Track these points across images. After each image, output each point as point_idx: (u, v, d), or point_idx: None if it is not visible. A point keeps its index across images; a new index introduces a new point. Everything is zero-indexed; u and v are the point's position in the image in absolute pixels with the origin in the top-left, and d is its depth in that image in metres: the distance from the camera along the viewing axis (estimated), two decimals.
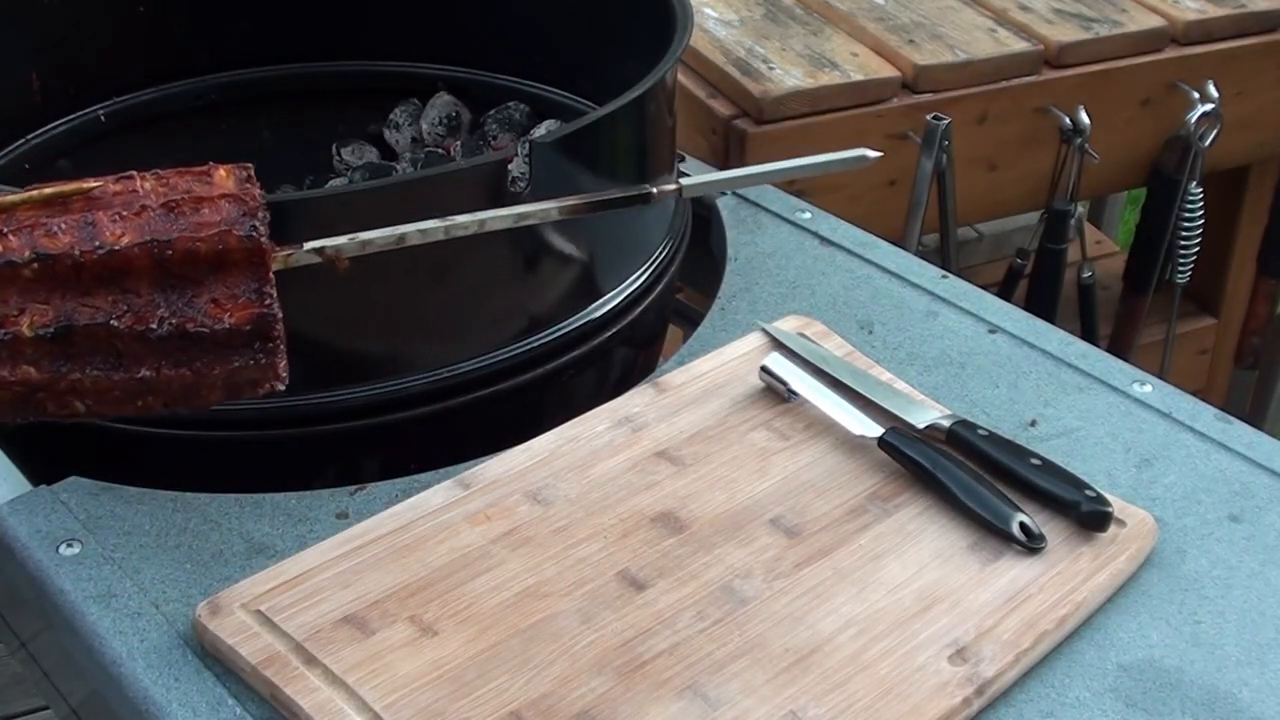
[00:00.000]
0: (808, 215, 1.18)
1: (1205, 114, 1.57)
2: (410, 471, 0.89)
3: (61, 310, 0.66)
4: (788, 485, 0.87)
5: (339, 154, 1.24)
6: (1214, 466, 0.92)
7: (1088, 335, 1.73)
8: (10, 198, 0.67)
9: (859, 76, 1.44)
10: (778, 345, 0.99)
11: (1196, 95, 1.57)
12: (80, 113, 1.20)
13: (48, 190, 0.68)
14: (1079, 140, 1.52)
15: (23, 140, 1.17)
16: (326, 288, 0.90)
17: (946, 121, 1.42)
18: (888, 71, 1.46)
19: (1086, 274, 1.72)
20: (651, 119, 1.02)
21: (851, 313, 1.06)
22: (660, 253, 1.05)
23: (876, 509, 0.86)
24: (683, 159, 1.22)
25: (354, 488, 0.88)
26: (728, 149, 1.41)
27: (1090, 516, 0.84)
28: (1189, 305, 1.85)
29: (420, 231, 0.71)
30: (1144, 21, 1.58)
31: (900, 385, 0.96)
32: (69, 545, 0.82)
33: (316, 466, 0.94)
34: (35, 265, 0.65)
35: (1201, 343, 1.88)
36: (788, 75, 1.43)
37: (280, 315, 0.68)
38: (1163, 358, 1.81)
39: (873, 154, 0.69)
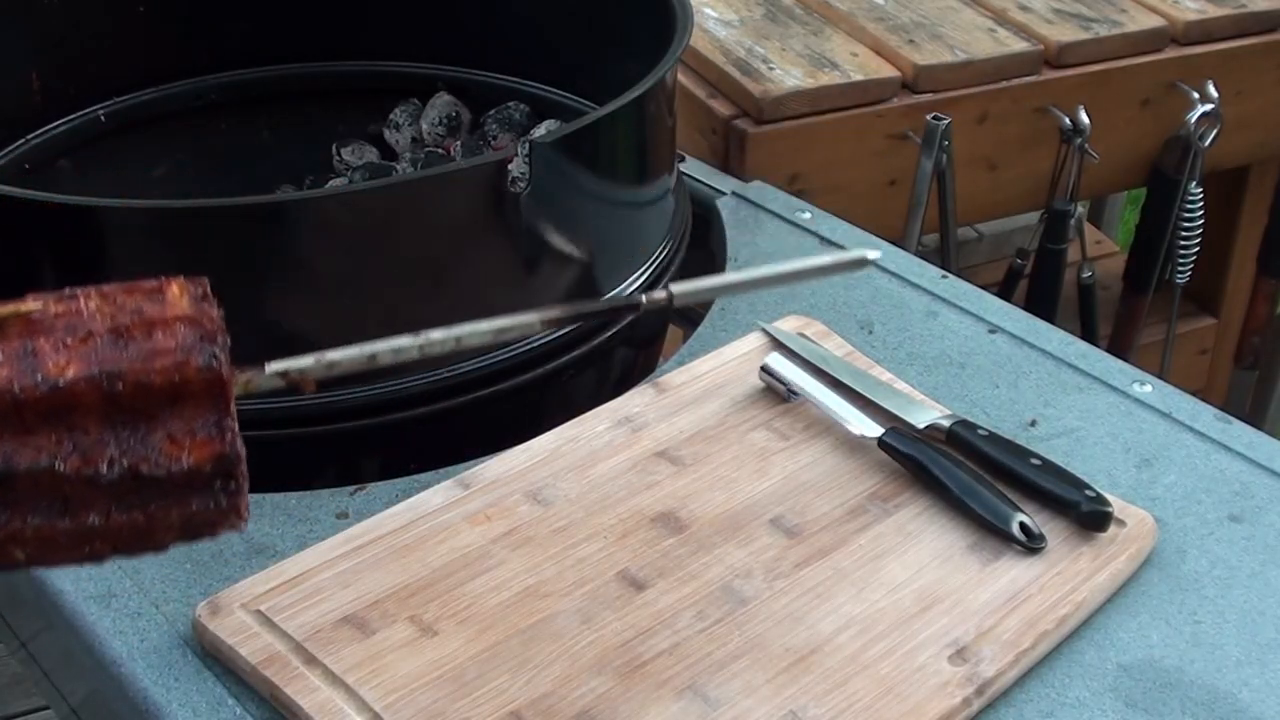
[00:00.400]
0: (808, 215, 1.18)
1: (1205, 114, 1.56)
2: (410, 471, 0.89)
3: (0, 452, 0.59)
4: (788, 485, 0.87)
5: (339, 154, 1.24)
6: (1214, 466, 0.92)
7: (1088, 335, 1.73)
8: None
9: (859, 76, 1.44)
10: (778, 345, 0.99)
11: (1196, 95, 1.56)
12: (80, 113, 1.20)
13: None
14: (1079, 140, 1.52)
15: (23, 140, 1.17)
16: (326, 288, 0.90)
17: (946, 121, 1.42)
18: (888, 71, 1.46)
19: (1086, 274, 1.72)
20: (651, 119, 1.02)
21: (851, 313, 1.06)
22: (660, 253, 1.05)
23: (876, 509, 0.86)
24: (683, 159, 1.21)
25: (354, 488, 0.88)
26: (728, 149, 1.41)
27: (1090, 516, 0.84)
28: (1189, 305, 1.84)
29: (393, 350, 0.67)
30: (1144, 21, 1.58)
31: (900, 385, 0.96)
32: None
33: (316, 466, 0.94)
34: None
35: (1201, 343, 1.88)
36: (788, 75, 1.43)
37: (244, 453, 0.61)
38: (1163, 358, 1.80)
39: (872, 254, 0.68)
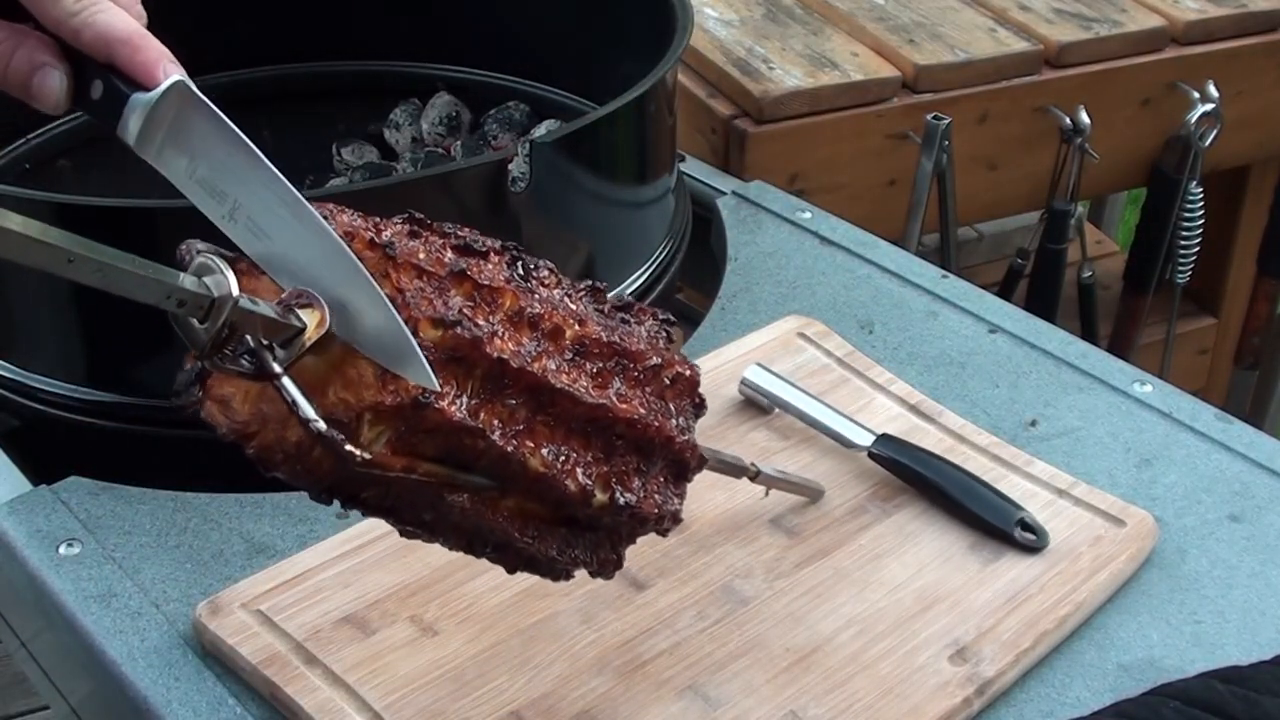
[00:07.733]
0: (808, 215, 1.18)
1: (1205, 114, 1.57)
2: None
3: None
4: None
5: (339, 154, 1.24)
6: (1214, 466, 0.92)
7: (1088, 335, 1.73)
8: None
9: (859, 76, 1.44)
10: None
11: (1196, 95, 1.57)
12: (80, 113, 1.20)
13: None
14: (1079, 140, 1.52)
15: (23, 140, 1.17)
16: None
17: (946, 121, 1.42)
18: (888, 71, 1.46)
19: (1086, 274, 1.72)
20: (651, 119, 1.02)
21: (851, 313, 1.06)
22: (660, 253, 1.05)
23: (876, 509, 0.86)
24: (683, 159, 1.21)
25: None
26: (728, 149, 1.41)
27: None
28: (1189, 305, 1.84)
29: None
30: (1144, 21, 1.58)
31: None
32: (69, 545, 0.82)
33: None
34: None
35: (1201, 343, 1.88)
36: (788, 75, 1.43)
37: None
38: (1163, 358, 1.81)
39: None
